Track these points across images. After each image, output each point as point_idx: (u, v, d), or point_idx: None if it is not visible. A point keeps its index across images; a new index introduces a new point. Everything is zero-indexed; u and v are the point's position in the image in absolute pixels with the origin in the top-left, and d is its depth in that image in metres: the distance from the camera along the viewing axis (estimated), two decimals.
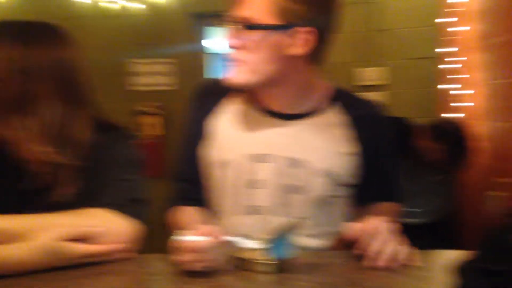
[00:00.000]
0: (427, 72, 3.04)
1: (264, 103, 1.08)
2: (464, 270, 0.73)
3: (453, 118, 2.67)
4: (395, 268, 0.84)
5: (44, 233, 0.87)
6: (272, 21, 0.97)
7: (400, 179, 1.18)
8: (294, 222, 0.86)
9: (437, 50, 2.87)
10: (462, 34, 2.70)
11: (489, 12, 2.40)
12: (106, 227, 0.95)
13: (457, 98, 2.72)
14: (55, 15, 3.10)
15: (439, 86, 2.90)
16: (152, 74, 3.27)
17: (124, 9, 3.27)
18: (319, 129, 1.06)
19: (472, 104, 2.66)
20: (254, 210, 1.04)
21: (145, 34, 3.25)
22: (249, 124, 1.08)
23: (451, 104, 2.74)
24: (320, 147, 1.05)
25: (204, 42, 3.31)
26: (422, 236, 2.63)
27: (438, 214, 2.66)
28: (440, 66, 2.88)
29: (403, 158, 2.56)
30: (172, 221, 1.12)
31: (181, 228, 1.04)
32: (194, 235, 0.84)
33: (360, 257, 0.87)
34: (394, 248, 0.86)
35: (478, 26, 2.53)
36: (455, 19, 2.78)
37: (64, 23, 1.05)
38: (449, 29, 2.73)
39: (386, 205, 1.15)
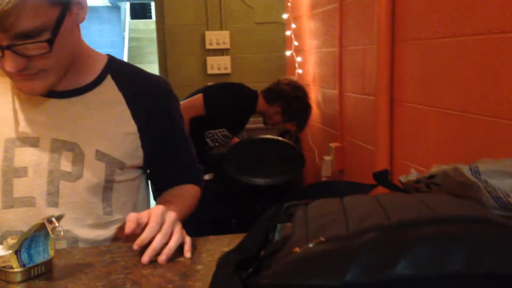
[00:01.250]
0: (274, 37, 3.08)
1: None
2: (220, 262, 0.69)
3: (286, 79, 2.68)
4: (166, 261, 0.78)
5: None
6: (52, 12, 0.80)
7: (195, 159, 1.12)
8: (47, 219, 0.73)
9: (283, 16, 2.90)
10: (297, 1, 2.75)
11: None
12: None
13: (295, 64, 2.80)
14: None
15: (286, 52, 2.95)
16: None
17: None
18: (92, 106, 0.94)
19: (301, 70, 2.74)
20: (17, 202, 0.89)
21: None
22: (12, 103, 0.92)
23: (296, 70, 2.80)
24: (92, 127, 0.93)
25: None
26: (267, 197, 2.73)
27: (282, 177, 2.75)
28: (285, 32, 2.92)
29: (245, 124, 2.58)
30: None
31: None
32: None
33: (139, 251, 0.79)
34: (164, 240, 0.79)
35: None
36: None
37: None
38: None
39: (184, 188, 1.09)
